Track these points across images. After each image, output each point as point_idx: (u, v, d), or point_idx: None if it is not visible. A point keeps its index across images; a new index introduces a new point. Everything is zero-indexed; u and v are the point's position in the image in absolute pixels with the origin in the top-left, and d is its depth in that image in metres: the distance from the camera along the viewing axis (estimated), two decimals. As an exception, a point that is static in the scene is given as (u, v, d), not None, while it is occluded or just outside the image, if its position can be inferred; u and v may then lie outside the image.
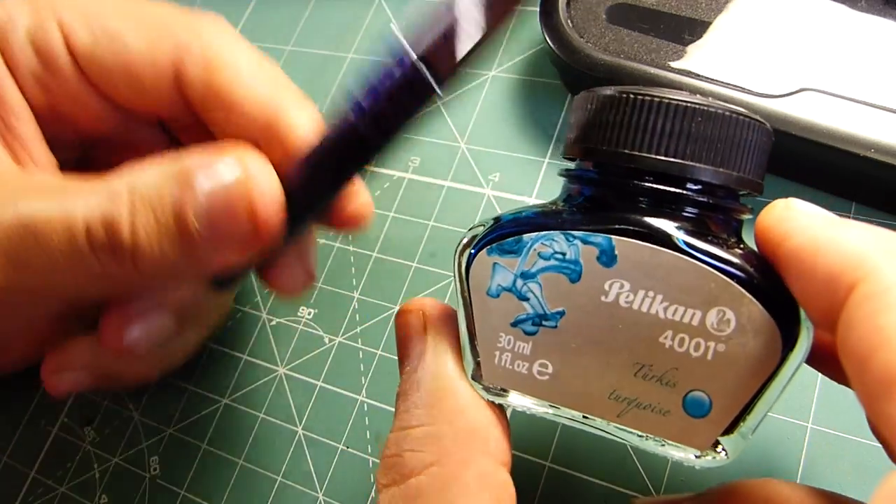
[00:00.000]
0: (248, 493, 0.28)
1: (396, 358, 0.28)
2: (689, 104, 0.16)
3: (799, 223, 0.15)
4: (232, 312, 0.31)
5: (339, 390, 0.28)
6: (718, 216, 0.16)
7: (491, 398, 0.18)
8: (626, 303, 0.16)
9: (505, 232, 0.17)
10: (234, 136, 0.23)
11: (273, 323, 0.30)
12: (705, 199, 0.16)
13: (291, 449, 0.28)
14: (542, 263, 0.16)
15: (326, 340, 0.29)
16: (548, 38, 0.28)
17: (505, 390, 0.18)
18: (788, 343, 0.15)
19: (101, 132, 0.26)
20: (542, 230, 0.16)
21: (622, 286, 0.16)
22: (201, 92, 0.23)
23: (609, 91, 0.16)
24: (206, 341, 0.31)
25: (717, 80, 0.25)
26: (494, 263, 0.17)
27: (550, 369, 0.17)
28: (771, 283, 0.15)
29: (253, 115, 0.23)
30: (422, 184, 0.31)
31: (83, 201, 0.19)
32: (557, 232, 0.16)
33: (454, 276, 0.18)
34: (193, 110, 0.24)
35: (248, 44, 0.25)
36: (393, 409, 0.27)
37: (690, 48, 0.26)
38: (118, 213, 0.19)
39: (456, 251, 0.18)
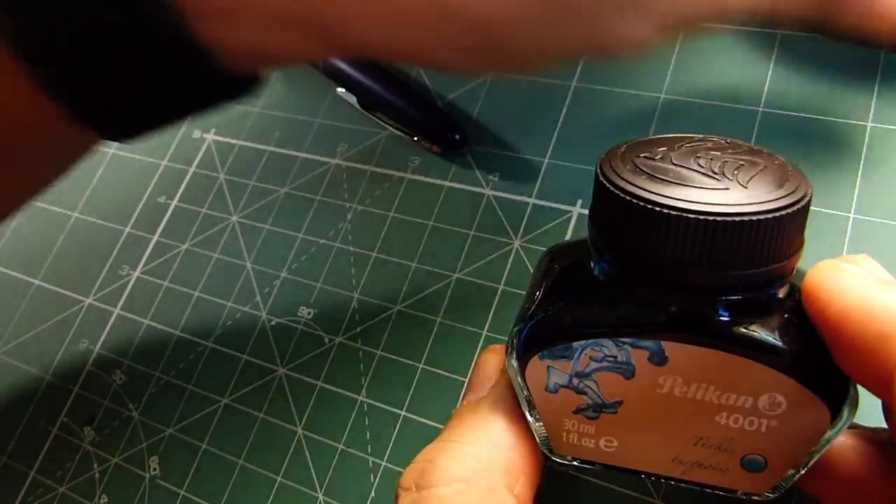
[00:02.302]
0: (248, 493, 0.28)
1: (396, 358, 0.28)
2: (719, 220, 0.14)
3: (846, 283, 0.15)
4: (232, 312, 0.31)
5: (338, 390, 0.28)
6: (761, 297, 0.16)
7: (563, 461, 0.19)
8: (680, 392, 0.16)
9: (552, 337, 0.17)
10: None
11: (273, 323, 0.30)
12: (745, 297, 0.15)
13: (291, 449, 0.28)
14: (594, 365, 0.17)
15: (326, 340, 0.29)
16: None
17: (576, 459, 0.19)
18: (836, 413, 0.16)
19: None
20: (587, 330, 0.16)
21: (675, 380, 0.16)
22: None
23: (628, 196, 0.15)
24: (205, 342, 0.31)
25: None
26: (548, 367, 0.17)
27: (615, 444, 0.18)
28: (818, 361, 0.15)
29: None
30: (422, 184, 0.31)
31: None
32: (606, 339, 0.16)
33: (511, 375, 0.18)
34: None
35: None
36: (393, 409, 0.27)
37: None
38: None
39: (507, 356, 0.18)
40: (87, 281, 0.35)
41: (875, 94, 0.26)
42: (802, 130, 0.27)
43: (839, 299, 0.15)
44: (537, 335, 0.17)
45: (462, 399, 0.20)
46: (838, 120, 0.26)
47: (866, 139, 0.26)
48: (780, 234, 0.14)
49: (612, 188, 0.15)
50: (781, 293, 0.16)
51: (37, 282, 0.36)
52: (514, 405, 0.19)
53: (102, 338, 0.33)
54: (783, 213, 0.14)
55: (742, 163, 0.15)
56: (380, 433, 0.27)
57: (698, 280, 0.15)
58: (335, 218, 0.32)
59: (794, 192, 0.15)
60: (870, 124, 0.26)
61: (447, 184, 0.31)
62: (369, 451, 0.27)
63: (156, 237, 0.35)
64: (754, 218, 0.14)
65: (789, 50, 0.28)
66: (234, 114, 0.36)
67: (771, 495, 0.18)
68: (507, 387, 0.19)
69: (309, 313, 0.30)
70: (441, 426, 0.26)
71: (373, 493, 0.26)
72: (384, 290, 0.29)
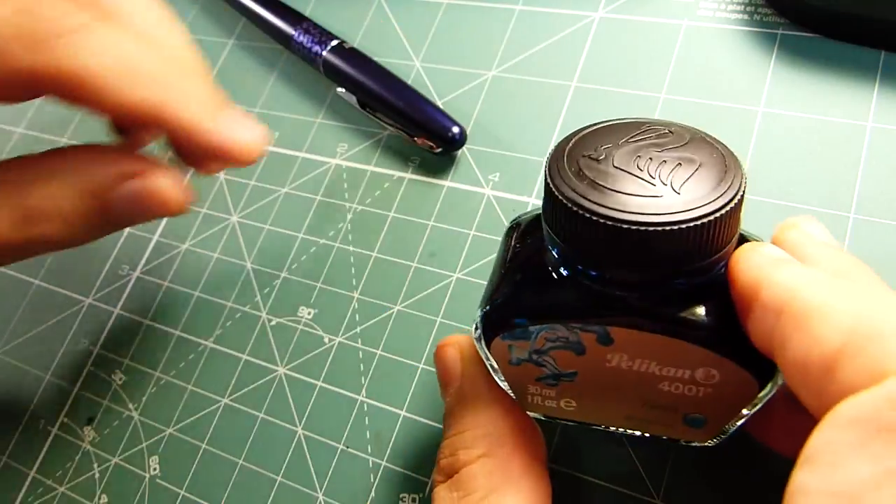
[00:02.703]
0: (248, 493, 0.28)
1: (396, 358, 0.28)
2: (650, 229, 0.15)
3: (749, 262, 0.16)
4: (232, 312, 0.31)
5: (338, 390, 0.28)
6: (698, 282, 0.17)
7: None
8: (626, 366, 0.18)
9: (509, 322, 0.19)
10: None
11: (273, 323, 0.30)
12: (683, 286, 0.17)
13: (291, 449, 0.28)
14: (549, 345, 0.19)
15: (326, 340, 0.29)
16: None
17: (543, 416, 0.22)
18: (763, 382, 0.17)
19: None
20: (539, 317, 0.18)
21: (621, 357, 0.18)
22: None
23: (569, 203, 0.16)
24: (205, 342, 0.31)
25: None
26: (509, 345, 0.19)
27: (574, 404, 0.21)
28: (743, 338, 0.17)
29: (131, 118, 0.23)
30: (422, 184, 0.31)
31: None
32: (558, 324, 0.18)
33: (479, 350, 0.20)
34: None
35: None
36: (392, 409, 0.27)
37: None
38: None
39: (473, 334, 0.20)
40: (87, 281, 0.35)
41: (875, 94, 0.26)
42: (802, 130, 0.27)
43: (740, 278, 0.16)
44: (497, 320, 0.19)
45: (445, 397, 0.22)
46: (838, 120, 0.26)
47: (866, 139, 0.26)
48: (709, 234, 0.16)
49: (556, 192, 0.16)
50: (723, 271, 0.18)
51: (37, 282, 0.36)
52: (491, 383, 0.21)
53: (102, 338, 0.33)
54: (709, 218, 0.15)
55: (680, 161, 0.17)
56: (380, 433, 0.27)
57: (633, 278, 0.17)
58: (335, 218, 0.32)
59: (725, 191, 0.16)
60: (870, 124, 0.26)
61: (447, 184, 0.31)
62: (369, 451, 0.27)
63: (156, 237, 0.35)
64: (684, 226, 0.15)
65: (789, 50, 0.28)
66: (234, 114, 0.36)
67: (712, 443, 0.21)
68: (475, 371, 0.21)
69: (309, 313, 0.30)
70: (440, 426, 0.26)
71: (373, 493, 0.26)
72: (384, 290, 0.29)
